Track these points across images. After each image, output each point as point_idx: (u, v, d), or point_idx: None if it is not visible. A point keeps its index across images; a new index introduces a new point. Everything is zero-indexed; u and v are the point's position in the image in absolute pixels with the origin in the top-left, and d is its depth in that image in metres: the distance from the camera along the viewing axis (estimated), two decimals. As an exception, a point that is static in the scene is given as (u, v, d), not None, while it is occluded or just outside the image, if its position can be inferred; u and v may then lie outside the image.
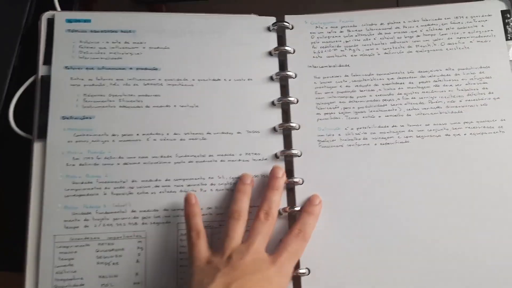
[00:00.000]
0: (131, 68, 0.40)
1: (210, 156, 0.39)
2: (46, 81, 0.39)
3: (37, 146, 0.38)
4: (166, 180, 0.38)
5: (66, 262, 0.36)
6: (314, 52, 0.42)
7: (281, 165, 0.39)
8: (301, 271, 0.36)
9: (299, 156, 0.39)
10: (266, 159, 0.39)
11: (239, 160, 0.39)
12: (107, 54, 0.40)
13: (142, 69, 0.40)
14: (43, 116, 0.38)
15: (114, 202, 0.37)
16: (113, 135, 0.38)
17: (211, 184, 0.38)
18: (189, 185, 0.38)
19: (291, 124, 0.40)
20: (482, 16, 0.42)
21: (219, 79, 0.41)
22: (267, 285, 0.32)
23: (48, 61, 0.40)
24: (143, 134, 0.39)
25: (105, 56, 0.40)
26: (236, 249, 0.33)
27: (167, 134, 0.39)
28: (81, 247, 0.36)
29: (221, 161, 0.39)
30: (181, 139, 0.39)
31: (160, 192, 0.38)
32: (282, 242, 0.35)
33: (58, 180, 0.37)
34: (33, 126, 0.38)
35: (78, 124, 0.38)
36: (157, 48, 0.41)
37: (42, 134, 0.38)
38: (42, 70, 0.39)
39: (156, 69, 0.40)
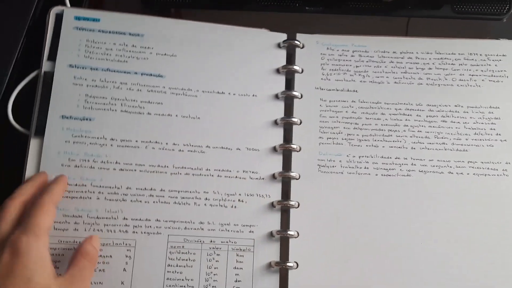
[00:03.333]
0: (136, 73, 0.39)
1: (207, 170, 0.38)
2: (48, 77, 0.38)
3: (33, 143, 0.37)
4: (161, 190, 0.37)
5: (52, 264, 0.35)
6: (323, 74, 0.41)
7: (278, 186, 0.38)
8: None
9: (297, 179, 0.38)
10: (263, 178, 0.38)
11: (236, 177, 0.38)
12: (113, 56, 0.40)
13: (147, 75, 0.40)
14: (42, 113, 0.37)
15: (107, 207, 0.36)
16: (112, 139, 0.38)
17: (206, 199, 0.37)
18: (183, 198, 0.37)
19: (292, 146, 0.39)
20: (497, 55, 0.41)
21: (223, 92, 0.40)
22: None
23: (52, 57, 0.39)
24: (142, 141, 0.38)
25: (111, 58, 0.39)
26: None
27: (166, 143, 0.38)
28: (68, 250, 0.35)
29: (218, 176, 0.38)
30: (179, 150, 0.38)
31: (153, 201, 0.37)
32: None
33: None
34: (31, 122, 0.37)
35: (77, 125, 0.38)
36: (164, 54, 0.40)
37: (40, 132, 0.37)
38: (45, 65, 0.39)
39: (161, 76, 0.40)
